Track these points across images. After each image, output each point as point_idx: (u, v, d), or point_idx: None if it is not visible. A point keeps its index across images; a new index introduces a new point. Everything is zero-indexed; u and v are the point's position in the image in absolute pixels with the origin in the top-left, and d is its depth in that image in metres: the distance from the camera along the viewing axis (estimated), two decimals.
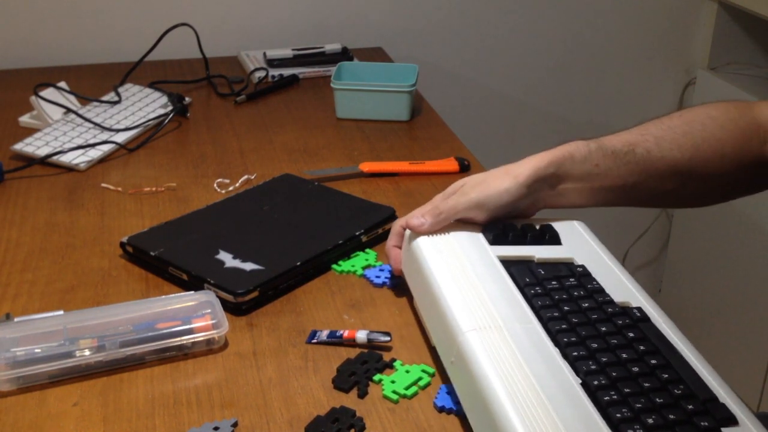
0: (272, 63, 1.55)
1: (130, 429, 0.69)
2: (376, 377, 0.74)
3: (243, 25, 1.70)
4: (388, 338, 0.79)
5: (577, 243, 0.82)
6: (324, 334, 0.80)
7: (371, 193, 1.09)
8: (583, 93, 2.00)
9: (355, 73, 1.41)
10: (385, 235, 0.98)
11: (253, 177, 1.14)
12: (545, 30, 1.90)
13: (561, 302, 0.71)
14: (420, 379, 0.74)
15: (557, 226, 0.84)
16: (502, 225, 0.82)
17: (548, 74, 1.95)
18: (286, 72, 1.52)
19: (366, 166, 1.15)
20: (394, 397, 0.72)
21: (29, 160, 1.16)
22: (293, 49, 1.57)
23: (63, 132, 1.24)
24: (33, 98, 1.26)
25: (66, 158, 1.16)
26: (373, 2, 1.76)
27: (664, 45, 2.00)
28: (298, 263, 0.89)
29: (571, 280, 0.75)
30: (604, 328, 0.68)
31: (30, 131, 1.26)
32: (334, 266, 0.92)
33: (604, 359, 0.64)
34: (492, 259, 0.77)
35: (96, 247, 0.97)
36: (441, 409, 0.71)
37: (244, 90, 1.47)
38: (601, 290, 0.73)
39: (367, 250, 0.96)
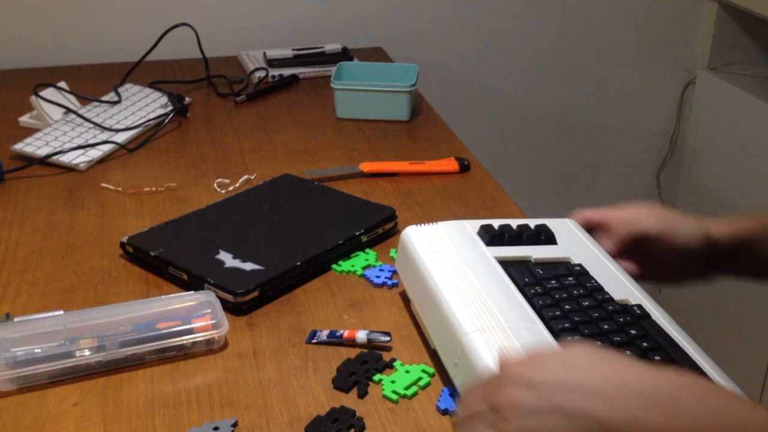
0: (272, 63, 1.55)
1: (130, 429, 0.69)
2: (376, 377, 0.74)
3: (243, 25, 1.70)
4: (388, 338, 0.78)
5: (572, 242, 0.83)
6: (324, 334, 0.80)
7: (371, 193, 1.09)
8: (583, 93, 1.99)
9: (355, 73, 1.41)
10: (385, 235, 0.98)
11: (253, 177, 1.14)
12: (545, 30, 1.90)
13: (562, 301, 0.71)
14: (420, 379, 0.74)
15: (551, 225, 0.84)
16: (499, 226, 0.82)
17: (548, 74, 1.95)
18: (286, 72, 1.52)
19: (366, 166, 1.14)
20: (394, 397, 0.72)
21: (29, 160, 1.16)
22: (293, 49, 1.57)
23: (63, 132, 1.24)
24: (33, 98, 1.26)
25: (66, 158, 1.16)
26: (373, 2, 1.76)
27: (664, 45, 2.00)
28: (298, 263, 0.88)
29: (569, 279, 0.75)
30: (606, 326, 0.68)
31: (30, 131, 1.26)
32: (334, 266, 0.92)
33: None
34: (490, 261, 0.77)
35: (96, 247, 0.97)
36: (444, 412, 0.70)
37: (244, 90, 1.46)
38: (600, 288, 0.74)
39: (367, 250, 0.96)
